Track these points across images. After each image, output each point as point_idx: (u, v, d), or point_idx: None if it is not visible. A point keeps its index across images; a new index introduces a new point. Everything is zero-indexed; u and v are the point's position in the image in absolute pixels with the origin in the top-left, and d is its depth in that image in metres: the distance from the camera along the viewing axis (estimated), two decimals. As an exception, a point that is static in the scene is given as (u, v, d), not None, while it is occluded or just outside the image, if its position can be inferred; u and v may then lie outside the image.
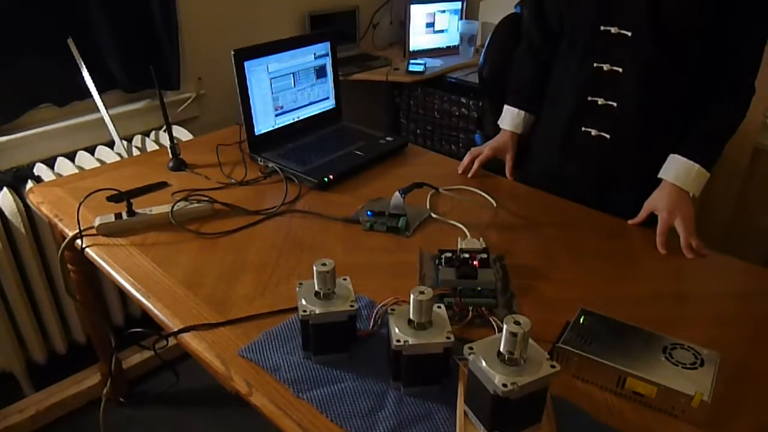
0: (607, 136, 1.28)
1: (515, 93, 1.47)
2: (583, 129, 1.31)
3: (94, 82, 1.75)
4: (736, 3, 1.10)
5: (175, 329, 0.94)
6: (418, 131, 2.74)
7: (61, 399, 1.73)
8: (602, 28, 1.21)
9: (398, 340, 0.78)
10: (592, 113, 1.28)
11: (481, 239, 1.12)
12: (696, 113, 1.21)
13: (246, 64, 1.44)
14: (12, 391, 1.74)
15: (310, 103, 1.64)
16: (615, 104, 1.25)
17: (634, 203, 1.26)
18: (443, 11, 2.67)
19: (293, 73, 1.56)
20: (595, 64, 1.25)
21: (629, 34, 1.18)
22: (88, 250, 1.16)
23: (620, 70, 1.22)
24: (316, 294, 0.85)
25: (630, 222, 1.24)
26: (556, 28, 1.33)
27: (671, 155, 1.21)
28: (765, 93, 2.02)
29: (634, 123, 1.25)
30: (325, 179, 1.38)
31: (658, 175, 1.22)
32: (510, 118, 1.46)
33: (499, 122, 1.49)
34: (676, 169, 1.19)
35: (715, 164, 1.20)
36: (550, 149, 1.39)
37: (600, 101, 1.26)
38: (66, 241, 1.21)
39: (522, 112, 1.44)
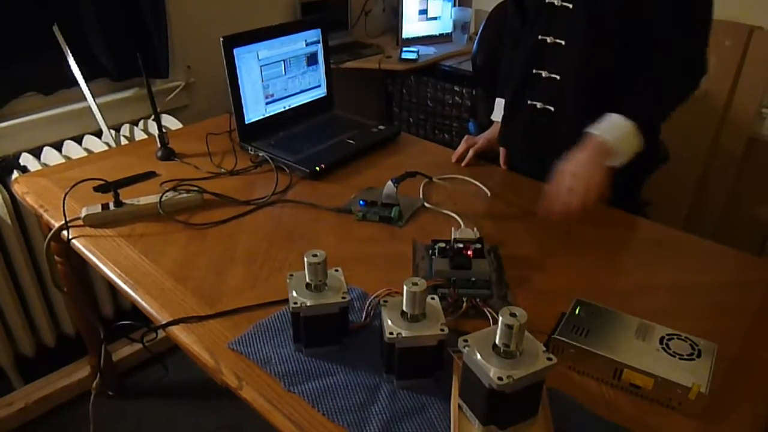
0: (552, 109, 1.27)
1: (504, 85, 1.45)
2: (528, 102, 1.31)
3: (80, 70, 1.72)
4: None
5: (164, 322, 0.92)
6: (411, 120, 2.72)
7: (51, 392, 1.71)
8: (547, 0, 1.21)
9: (391, 333, 0.76)
10: (537, 86, 1.28)
11: (475, 229, 1.10)
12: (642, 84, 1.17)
13: (235, 51, 1.41)
14: (0, 384, 1.72)
15: (301, 92, 1.62)
16: (558, 77, 1.25)
17: None
18: (436, -2, 2.64)
19: (284, 61, 1.54)
20: (539, 37, 1.25)
21: (570, 6, 1.18)
22: (74, 241, 1.14)
23: (563, 42, 1.22)
24: (307, 285, 0.84)
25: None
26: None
27: (606, 115, 1.13)
28: (760, 83, 2.02)
29: (576, 96, 1.24)
30: (317, 168, 1.36)
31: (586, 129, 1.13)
32: (500, 110, 1.45)
33: (492, 117, 1.48)
34: (602, 121, 1.11)
35: (648, 127, 1.11)
36: (504, 124, 1.40)
37: (544, 74, 1.26)
38: (52, 232, 1.19)
39: None
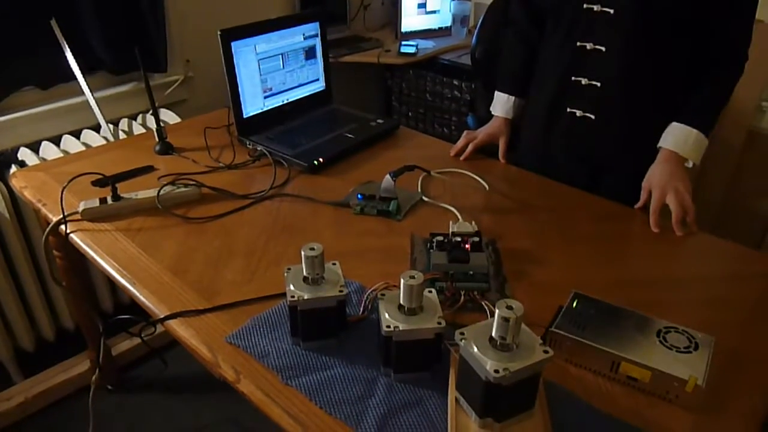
0: (592, 117, 1.26)
1: (504, 79, 1.45)
2: (568, 110, 1.29)
3: (78, 64, 1.71)
4: None
5: (162, 316, 0.93)
6: (409, 114, 2.71)
7: (50, 386, 1.71)
8: (585, 6, 1.20)
9: (388, 326, 0.76)
10: (576, 94, 1.27)
11: (473, 222, 1.10)
12: (683, 90, 1.20)
13: (233, 44, 1.40)
14: (0, 378, 1.72)
15: (300, 85, 1.61)
16: (599, 84, 1.24)
17: (626, 185, 1.25)
18: (435, -9, 2.63)
19: (282, 54, 1.53)
20: (578, 44, 1.23)
21: (612, 11, 1.17)
22: (72, 235, 1.14)
23: (603, 49, 1.21)
24: (305, 279, 0.84)
25: (636, 206, 1.22)
26: (542, 8, 1.32)
27: (671, 124, 1.20)
28: (760, 76, 2.02)
29: (618, 103, 1.24)
30: (315, 162, 1.36)
31: (658, 145, 1.21)
32: (501, 104, 1.45)
33: (491, 109, 1.47)
34: (674, 136, 1.19)
35: (712, 131, 1.20)
36: (537, 130, 1.38)
37: (584, 81, 1.25)
38: (50, 226, 1.19)
39: (512, 98, 1.43)
